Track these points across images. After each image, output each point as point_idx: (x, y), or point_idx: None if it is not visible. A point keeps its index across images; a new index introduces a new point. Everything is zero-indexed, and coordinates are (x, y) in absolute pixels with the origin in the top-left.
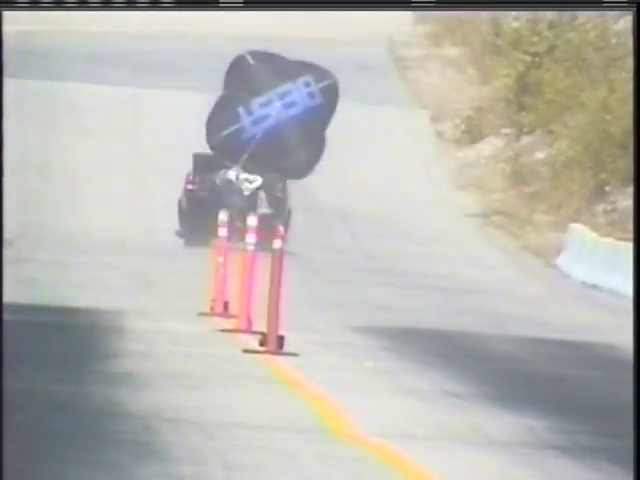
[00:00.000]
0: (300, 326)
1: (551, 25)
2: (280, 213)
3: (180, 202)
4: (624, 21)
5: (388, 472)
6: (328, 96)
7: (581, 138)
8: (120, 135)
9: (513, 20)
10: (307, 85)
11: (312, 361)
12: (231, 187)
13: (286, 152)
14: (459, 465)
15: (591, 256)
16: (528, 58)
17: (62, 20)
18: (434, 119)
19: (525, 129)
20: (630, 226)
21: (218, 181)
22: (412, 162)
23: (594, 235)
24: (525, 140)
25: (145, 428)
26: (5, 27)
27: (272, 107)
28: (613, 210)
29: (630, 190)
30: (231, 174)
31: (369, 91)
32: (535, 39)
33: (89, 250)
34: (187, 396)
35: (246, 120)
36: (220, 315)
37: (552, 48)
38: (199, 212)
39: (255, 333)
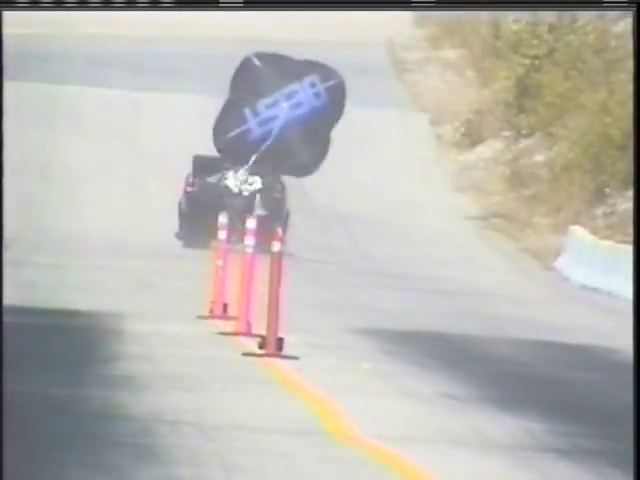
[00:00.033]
0: (299, 328)
1: (551, 28)
2: (278, 215)
3: (180, 204)
4: (623, 23)
5: (388, 475)
6: (334, 96)
7: (581, 140)
8: (120, 137)
9: (513, 23)
10: (313, 85)
11: (311, 363)
12: (230, 189)
13: (292, 152)
14: (459, 468)
15: (590, 259)
16: (528, 61)
17: (62, 22)
18: (433, 122)
19: (525, 132)
20: (630, 229)
21: (217, 183)
22: (411, 165)
23: (593, 238)
24: (525, 143)
25: (144, 430)
26: (5, 30)
27: (279, 108)
28: (613, 213)
29: (630, 193)
30: (230, 176)
31: (368, 94)
32: (535, 42)
33: (88, 252)
34: (186, 399)
35: (252, 121)
36: (219, 317)
37: (552, 51)
38: (199, 214)
39: (254, 336)
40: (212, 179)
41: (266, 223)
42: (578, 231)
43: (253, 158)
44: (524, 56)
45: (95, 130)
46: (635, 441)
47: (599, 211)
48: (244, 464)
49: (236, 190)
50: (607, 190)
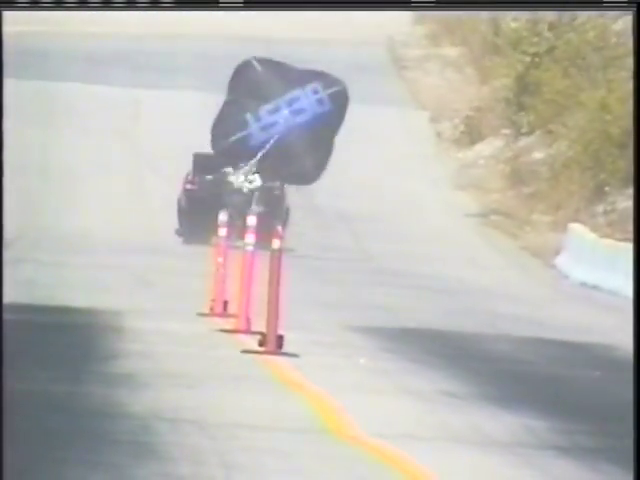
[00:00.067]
0: (299, 326)
1: (551, 26)
2: (278, 212)
3: (179, 201)
4: (623, 21)
5: (388, 472)
6: (337, 102)
7: (580, 138)
8: (119, 135)
9: (512, 20)
10: (315, 92)
11: (312, 361)
12: (230, 186)
13: (294, 159)
14: (459, 465)
15: (590, 256)
16: (527, 58)
17: (62, 21)
18: (433, 119)
19: (524, 129)
20: (630, 226)
21: (219, 179)
22: (411, 162)
23: (593, 235)
24: (524, 140)
25: (144, 428)
26: (5, 28)
27: (280, 114)
28: (612, 210)
29: (630, 191)
30: (230, 173)
31: (368, 91)
32: (535, 39)
33: (88, 250)
34: (186, 396)
35: (254, 127)
36: (219, 315)
37: (552, 48)
38: (198, 211)
39: (254, 333)
40: (212, 177)
41: (266, 220)
42: (578, 229)
43: (259, 156)
44: (524, 53)
45: (95, 127)
46: (635, 439)
47: (599, 209)
48: (244, 462)
49: (238, 186)
50: (607, 188)
